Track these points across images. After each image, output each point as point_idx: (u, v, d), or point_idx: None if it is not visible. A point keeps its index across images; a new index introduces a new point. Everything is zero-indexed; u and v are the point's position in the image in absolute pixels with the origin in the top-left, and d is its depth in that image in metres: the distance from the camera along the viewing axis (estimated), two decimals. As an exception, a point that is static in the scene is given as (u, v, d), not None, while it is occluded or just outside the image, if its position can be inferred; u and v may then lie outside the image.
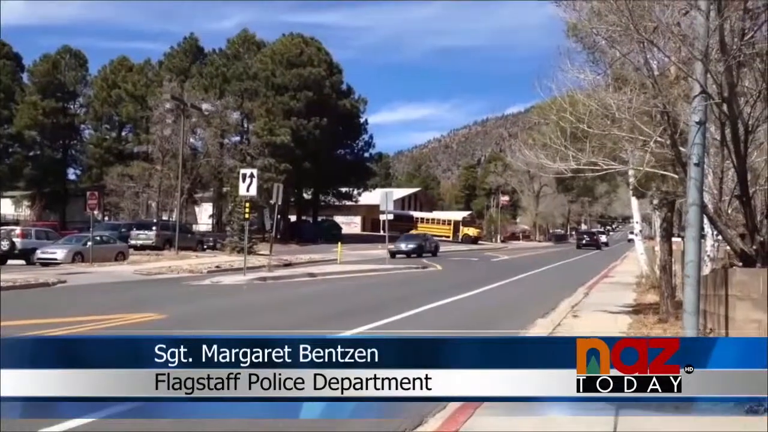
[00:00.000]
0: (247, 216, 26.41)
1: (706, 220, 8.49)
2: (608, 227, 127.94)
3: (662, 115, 6.81)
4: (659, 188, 11.20)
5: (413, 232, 50.29)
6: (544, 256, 49.01)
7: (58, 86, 65.42)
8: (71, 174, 70.54)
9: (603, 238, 78.50)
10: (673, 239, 14.12)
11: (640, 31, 5.97)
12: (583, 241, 69.74)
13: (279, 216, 31.80)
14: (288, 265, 30.89)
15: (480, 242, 75.64)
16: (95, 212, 32.94)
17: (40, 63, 65.96)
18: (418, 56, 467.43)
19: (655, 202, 14.16)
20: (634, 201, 20.86)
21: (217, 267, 27.64)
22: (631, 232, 55.47)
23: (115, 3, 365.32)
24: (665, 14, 6.29)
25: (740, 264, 7.24)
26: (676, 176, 7.55)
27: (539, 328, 11.76)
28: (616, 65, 8.11)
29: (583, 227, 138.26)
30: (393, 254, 36.82)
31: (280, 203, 27.20)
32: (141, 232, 39.85)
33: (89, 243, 30.79)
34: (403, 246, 40.24)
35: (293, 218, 63.98)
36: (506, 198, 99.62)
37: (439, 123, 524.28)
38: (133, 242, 37.89)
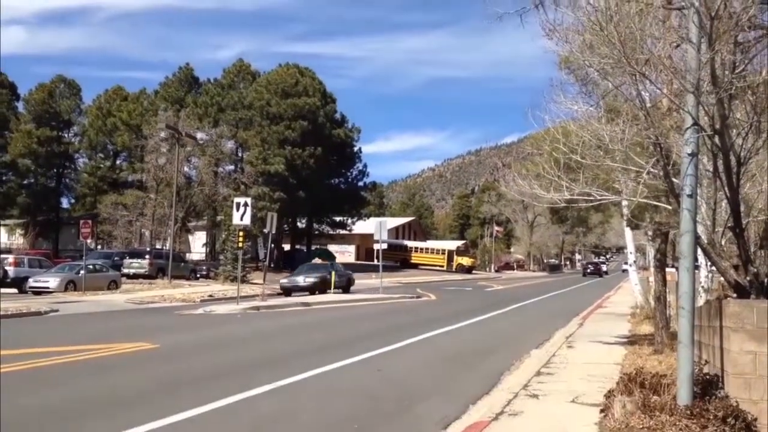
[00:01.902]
0: (240, 245, 26.36)
1: (699, 251, 8.51)
2: (602, 257, 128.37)
3: (655, 147, 6.85)
4: (653, 219, 11.24)
5: (318, 261, 42.20)
6: (539, 286, 48.96)
7: (53, 115, 65.61)
8: (65, 202, 70.60)
9: (604, 267, 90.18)
10: (667, 270, 14.12)
11: (632, 64, 6.04)
12: (588, 270, 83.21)
13: (273, 245, 31.74)
14: (281, 294, 30.76)
15: (474, 272, 75.62)
16: (88, 241, 32.83)
17: (35, 92, 66.23)
18: (413, 86, 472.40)
19: (650, 233, 14.19)
20: (628, 232, 20.90)
21: (210, 296, 27.53)
22: (625, 263, 55.47)
23: (113, 33, 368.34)
24: (657, 47, 6.36)
25: (734, 295, 7.25)
26: (669, 207, 7.58)
27: (534, 359, 11.70)
28: (608, 97, 8.19)
29: (578, 257, 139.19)
30: (288, 291, 30.52)
31: (274, 232, 27.16)
32: (134, 260, 39.70)
33: (82, 272, 30.66)
34: (300, 280, 31.34)
35: (287, 247, 63.87)
36: (500, 228, 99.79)
37: (434, 152, 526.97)
38: (126, 271, 37.73)
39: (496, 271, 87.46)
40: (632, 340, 14.37)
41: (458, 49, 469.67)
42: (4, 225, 68.17)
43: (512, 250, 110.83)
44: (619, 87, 7.02)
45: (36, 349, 11.87)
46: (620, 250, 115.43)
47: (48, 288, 29.33)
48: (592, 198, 7.66)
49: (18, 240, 65.39)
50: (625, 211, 13.76)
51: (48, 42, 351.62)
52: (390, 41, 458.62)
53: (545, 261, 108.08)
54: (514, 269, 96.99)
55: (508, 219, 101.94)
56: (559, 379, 9.42)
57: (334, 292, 30.43)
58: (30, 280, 30.25)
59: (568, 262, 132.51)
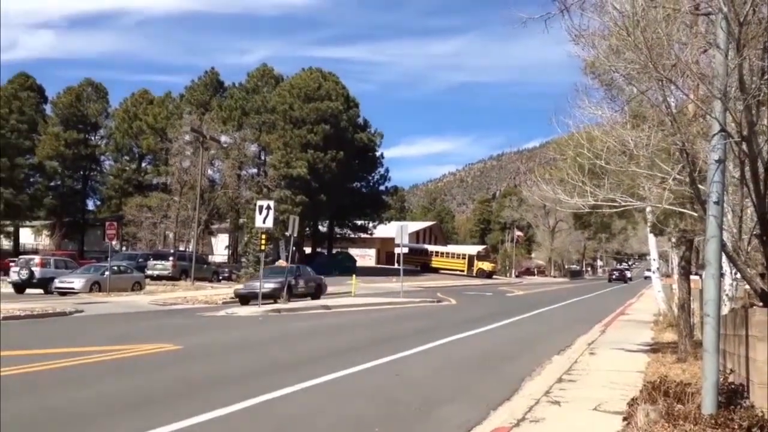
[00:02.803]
0: (263, 247, 26.47)
1: (725, 259, 8.42)
2: (624, 264, 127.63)
3: (681, 153, 6.79)
4: (677, 226, 11.12)
5: (281, 263, 37.58)
6: (560, 291, 48.64)
7: (80, 118, 66.51)
8: (91, 204, 71.51)
9: (628, 274, 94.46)
10: (691, 277, 13.96)
11: (658, 69, 5.99)
12: (614, 276, 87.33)
13: (294, 248, 31.78)
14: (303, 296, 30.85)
15: (494, 277, 75.32)
16: (113, 242, 33.18)
17: (63, 95, 67.21)
18: (436, 91, 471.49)
19: (674, 239, 14.05)
20: (651, 238, 20.69)
21: (232, 298, 27.67)
22: (648, 270, 54.92)
23: (141, 37, 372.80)
24: (684, 52, 6.31)
25: (760, 304, 7.15)
26: (694, 214, 7.51)
27: (556, 366, 11.62)
28: (633, 102, 8.13)
29: (599, 263, 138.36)
30: (244, 299, 26.21)
31: (295, 235, 27.25)
32: (158, 262, 40.09)
33: (107, 273, 30.99)
34: (258, 286, 25.33)
35: (308, 250, 64.08)
36: (521, 233, 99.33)
37: (455, 157, 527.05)
38: (149, 272, 38.10)
39: (517, 276, 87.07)
40: (655, 348, 14.23)
41: (481, 54, 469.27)
42: (31, 226, 69.18)
43: (533, 255, 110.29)
44: (645, 92, 6.97)
45: (61, 350, 12.02)
46: (642, 256, 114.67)
47: (73, 289, 29.70)
48: (616, 204, 7.60)
49: (44, 241, 66.37)
50: (650, 217, 13.63)
51: (77, 46, 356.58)
52: (414, 46, 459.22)
53: (566, 267, 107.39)
54: (534, 275, 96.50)
55: (529, 224, 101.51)
56: (581, 386, 9.35)
57: (299, 299, 27.20)
58: (56, 280, 30.65)
59: (589, 269, 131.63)
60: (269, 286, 26.24)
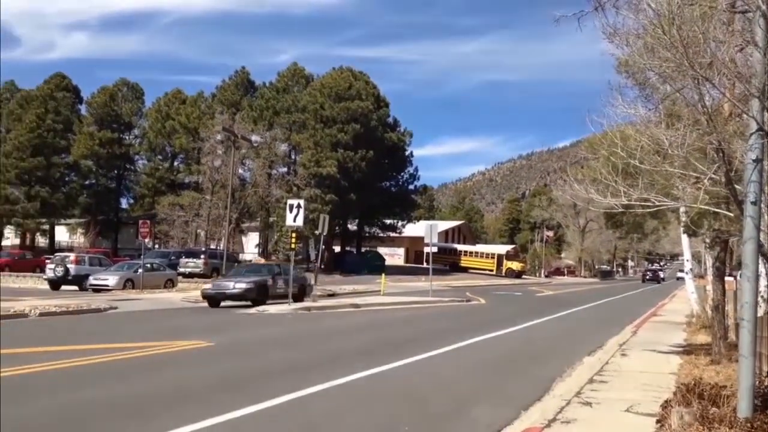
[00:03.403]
0: (293, 246, 26.61)
1: (761, 260, 8.28)
2: (657, 264, 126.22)
3: (716, 152, 6.71)
4: (711, 226, 10.97)
5: (259, 260, 34.69)
6: (590, 292, 48.18)
7: (115, 117, 67.53)
8: (124, 203, 72.63)
9: (661, 274, 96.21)
10: (725, 278, 13.74)
11: (694, 67, 5.92)
12: (648, 276, 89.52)
13: (323, 246, 31.86)
14: (332, 295, 31.00)
15: (524, 276, 74.84)
16: (146, 240, 33.62)
17: (97, 95, 68.28)
18: (466, 90, 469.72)
19: (707, 240, 13.85)
20: (685, 239, 20.40)
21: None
22: (681, 270, 54.13)
23: (174, 37, 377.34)
24: (720, 50, 6.23)
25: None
26: (730, 214, 7.41)
27: (587, 366, 11.53)
28: (668, 101, 8.03)
29: (630, 264, 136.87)
30: (213, 301, 23.47)
31: (325, 233, 27.36)
32: (190, 260, 40.53)
33: (140, 270, 31.42)
34: (231, 285, 23.68)
35: (337, 249, 64.29)
36: (551, 232, 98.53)
37: (485, 156, 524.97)
38: (181, 270, 38.54)
39: (546, 276, 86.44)
40: (688, 350, 14.04)
41: (511, 53, 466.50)
42: (66, 224, 70.45)
43: (563, 255, 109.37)
44: (680, 90, 6.88)
45: (96, 346, 12.24)
46: (674, 257, 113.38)
47: (107, 286, 30.15)
48: (650, 204, 7.52)
49: (79, 239, 67.51)
50: (683, 217, 13.45)
51: (111, 46, 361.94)
52: (444, 45, 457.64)
53: (597, 267, 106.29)
54: (564, 275, 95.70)
55: (559, 224, 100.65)
56: (613, 388, 9.27)
57: (276, 302, 23.96)
58: (90, 277, 31.12)
59: (620, 269, 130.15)
60: (240, 286, 23.42)
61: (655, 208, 7.75)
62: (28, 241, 64.70)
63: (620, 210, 7.97)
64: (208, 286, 24.63)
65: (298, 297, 25.38)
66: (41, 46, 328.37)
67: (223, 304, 23.50)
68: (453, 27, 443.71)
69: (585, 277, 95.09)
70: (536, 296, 39.75)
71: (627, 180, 7.72)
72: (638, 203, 7.62)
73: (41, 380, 9.04)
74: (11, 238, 68.23)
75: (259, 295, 23.64)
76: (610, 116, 8.07)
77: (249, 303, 23.22)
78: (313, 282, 27.32)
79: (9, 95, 71.86)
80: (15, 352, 11.40)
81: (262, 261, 33.28)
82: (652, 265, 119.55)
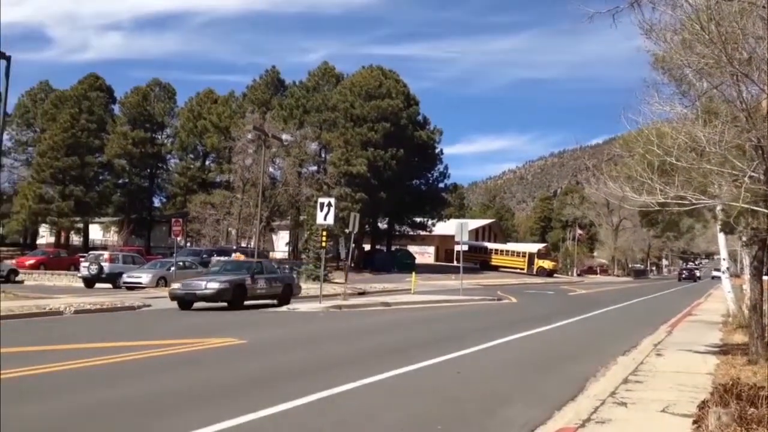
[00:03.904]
0: (323, 244, 26.72)
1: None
2: (692, 263, 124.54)
3: (756, 150, 6.59)
4: (749, 224, 10.78)
5: (237, 257, 32.94)
6: (624, 291, 47.64)
7: (147, 117, 68.43)
8: (157, 201, 73.60)
9: (698, 273, 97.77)
10: (764, 278, 13.48)
11: (733, 63, 5.83)
12: (684, 275, 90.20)
13: (354, 245, 31.88)
14: (362, 293, 31.08)
15: (555, 275, 74.26)
16: (179, 238, 33.94)
17: (130, 95, 69.24)
18: (497, 88, 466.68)
19: (745, 238, 13.59)
20: (721, 237, 20.04)
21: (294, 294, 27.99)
22: (716, 269, 53.13)
23: (206, 37, 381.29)
24: (759, 46, 6.11)
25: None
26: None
27: (621, 366, 11.41)
28: (705, 98, 7.91)
29: (664, 262, 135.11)
30: (183, 302, 20.95)
31: (355, 232, 27.43)
32: (221, 258, 40.84)
33: (173, 268, 31.78)
34: (203, 285, 21.04)
35: (367, 247, 64.42)
36: (583, 231, 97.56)
37: (515, 154, 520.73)
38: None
39: (579, 275, 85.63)
40: (724, 350, 13.80)
41: (543, 51, 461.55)
42: (100, 223, 71.59)
43: (595, 254, 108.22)
44: (717, 87, 6.78)
45: (128, 343, 12.41)
46: (709, 256, 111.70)
47: (141, 283, 30.55)
48: (686, 202, 7.42)
49: (113, 237, 68.56)
50: (720, 215, 13.22)
51: (144, 47, 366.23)
52: (475, 43, 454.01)
53: (630, 266, 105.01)
54: (597, 273, 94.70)
55: (592, 222, 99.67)
56: (648, 388, 9.16)
57: (259, 305, 21.97)
58: (124, 275, 31.55)
59: (654, 268, 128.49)
60: (213, 286, 20.84)
61: (692, 207, 7.64)
62: (62, 240, 65.82)
63: (656, 208, 7.86)
64: (176, 285, 21.79)
65: (283, 299, 23.34)
66: (76, 47, 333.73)
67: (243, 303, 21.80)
68: (484, 24, 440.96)
69: (618, 276, 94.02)
70: (568, 295, 39.42)
71: (663, 178, 7.62)
72: (674, 201, 7.52)
73: (75, 377, 9.21)
74: (46, 236, 69.54)
75: (235, 296, 21.27)
76: (646, 113, 7.99)
77: (224, 305, 21.14)
78: (300, 282, 25.48)
79: (44, 95, 73.29)
80: (50, 349, 11.64)
81: (242, 258, 31.46)
82: (688, 264, 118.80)
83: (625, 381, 9.66)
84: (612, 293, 43.51)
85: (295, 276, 26.45)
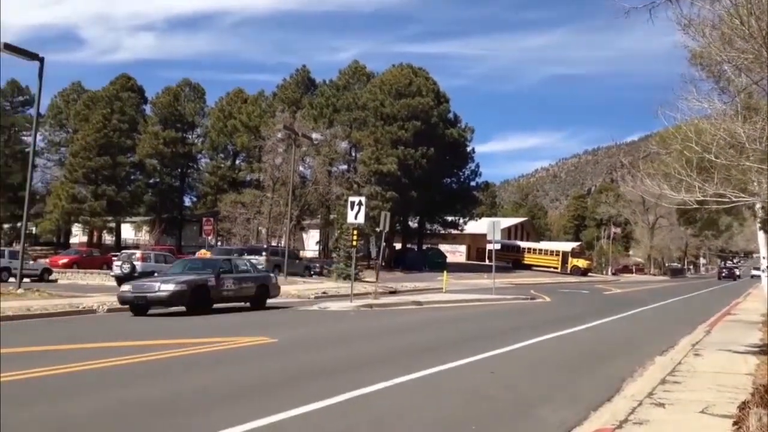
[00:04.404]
0: (354, 243, 26.76)
1: None
2: (731, 262, 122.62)
3: (798, 146, 6.42)
4: (790, 222, 10.53)
5: (204, 253, 30.67)
6: (660, 290, 46.95)
7: (178, 117, 69.23)
8: (187, 201, 74.46)
9: (737, 272, 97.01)
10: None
11: (774, 58, 5.67)
12: (723, 274, 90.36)
13: (384, 243, 31.88)
14: (393, 292, 31.05)
15: (590, 274, 73.46)
16: (209, 237, 34.24)
17: (161, 95, 70.12)
18: (530, 85, 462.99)
19: (785, 236, 13.30)
20: (761, 235, 19.66)
21: (324, 293, 28.13)
22: (756, 268, 52.10)
23: (237, 37, 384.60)
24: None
25: None
26: (811, 209, 7.07)
27: (658, 366, 11.22)
28: (744, 93, 7.73)
29: (702, 261, 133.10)
30: (135, 307, 18.38)
31: (386, 230, 27.43)
32: (252, 257, 41.15)
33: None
34: (156, 286, 18.38)
35: (398, 246, 64.38)
36: (618, 229, 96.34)
37: (548, 152, 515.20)
38: (244, 267, 39.00)
39: (613, 274, 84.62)
40: (765, 350, 13.50)
41: (577, 47, 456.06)
42: (132, 222, 72.64)
43: (631, 252, 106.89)
44: (758, 83, 6.61)
45: (160, 341, 12.53)
46: (748, 254, 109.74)
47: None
48: (726, 200, 7.25)
49: (144, 236, 69.50)
50: (760, 213, 12.95)
51: (175, 47, 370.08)
52: (506, 40, 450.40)
53: (666, 265, 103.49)
54: (632, 272, 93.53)
55: (627, 220, 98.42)
56: (686, 388, 8.99)
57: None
58: (155, 274, 31.90)
59: (691, 267, 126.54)
60: (168, 288, 18.16)
61: (731, 204, 7.47)
62: (95, 239, 66.89)
63: (694, 206, 7.70)
64: (126, 288, 18.94)
65: (259, 301, 20.99)
66: (108, 48, 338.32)
67: (219, 306, 19.99)
68: (517, 21, 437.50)
69: (654, 275, 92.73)
70: (603, 294, 38.96)
71: (701, 175, 7.47)
72: (713, 199, 7.36)
73: (107, 376, 9.32)
74: (79, 235, 70.70)
75: (194, 300, 18.51)
76: (683, 110, 7.84)
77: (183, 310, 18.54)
78: (278, 282, 23.28)
79: (76, 96, 74.58)
80: (83, 347, 11.81)
81: (208, 255, 29.21)
82: (727, 263, 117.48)
83: (663, 381, 9.49)
84: (648, 292, 42.90)
85: (272, 275, 23.54)
